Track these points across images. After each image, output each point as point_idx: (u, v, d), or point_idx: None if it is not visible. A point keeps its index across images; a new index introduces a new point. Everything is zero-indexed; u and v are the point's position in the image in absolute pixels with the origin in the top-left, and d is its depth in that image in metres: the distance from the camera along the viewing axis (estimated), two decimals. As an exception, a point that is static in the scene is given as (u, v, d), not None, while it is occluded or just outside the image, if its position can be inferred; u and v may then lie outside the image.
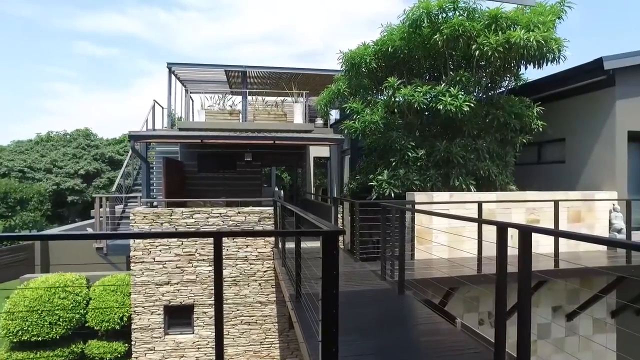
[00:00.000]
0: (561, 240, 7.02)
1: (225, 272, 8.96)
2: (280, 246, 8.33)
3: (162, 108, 16.79)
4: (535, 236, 2.72)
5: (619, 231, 8.37)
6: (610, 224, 8.50)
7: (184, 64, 16.56)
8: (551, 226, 7.86)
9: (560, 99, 9.96)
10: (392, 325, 4.26)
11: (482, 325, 7.83)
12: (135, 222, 8.72)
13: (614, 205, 8.53)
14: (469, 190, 8.29)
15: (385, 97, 9.37)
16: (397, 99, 8.26)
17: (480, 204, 6.34)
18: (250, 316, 9.22)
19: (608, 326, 8.64)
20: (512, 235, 2.96)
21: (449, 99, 7.78)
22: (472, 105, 7.95)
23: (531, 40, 7.30)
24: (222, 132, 11.33)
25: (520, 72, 9.95)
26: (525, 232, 2.64)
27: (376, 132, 8.96)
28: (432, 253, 7.45)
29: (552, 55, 7.75)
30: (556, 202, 6.62)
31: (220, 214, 8.88)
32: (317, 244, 2.77)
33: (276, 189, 28.70)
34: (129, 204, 12.83)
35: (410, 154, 8.71)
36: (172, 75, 16.68)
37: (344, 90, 10.19)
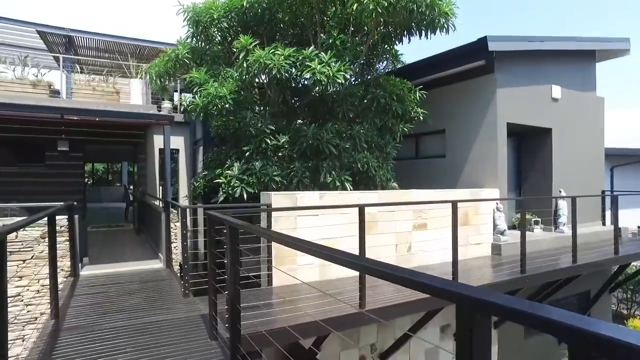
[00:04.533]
0: (449, 248, 5.59)
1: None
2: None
3: None
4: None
5: (503, 233, 7.42)
6: (494, 225, 7.51)
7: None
8: (442, 231, 6.49)
9: (441, 86, 8.85)
10: None
11: (363, 365, 6.05)
12: None
13: (497, 204, 7.56)
14: (344, 188, 6.46)
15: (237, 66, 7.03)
16: (250, 64, 5.97)
17: (362, 209, 4.42)
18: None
19: (493, 339, 7.66)
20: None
21: (319, 66, 5.79)
22: (348, 77, 6.12)
23: (421, -6, 5.70)
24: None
25: (399, 53, 8.57)
26: None
27: (224, 111, 6.60)
28: (297, 276, 5.39)
29: (442, 20, 6.27)
30: (454, 204, 5.11)
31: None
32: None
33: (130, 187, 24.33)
34: None
35: (269, 141, 6.56)
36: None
37: (185, 57, 7.58)
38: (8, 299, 5.72)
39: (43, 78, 10.10)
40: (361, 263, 1.63)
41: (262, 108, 7.70)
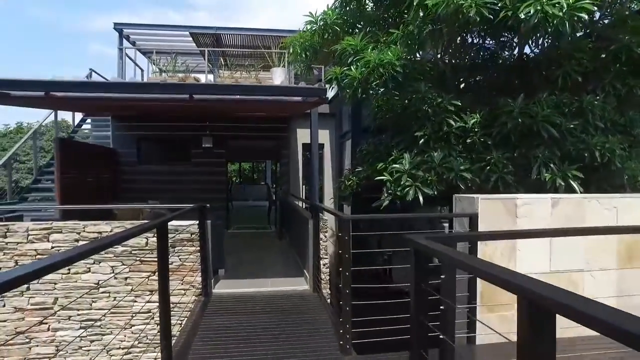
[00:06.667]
0: None
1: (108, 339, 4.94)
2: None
3: (111, 83, 13.07)
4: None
5: None
6: None
7: (137, 25, 12.78)
8: None
9: None
10: None
11: None
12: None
13: None
14: (571, 189, 4.17)
15: (406, 23, 5.21)
16: (431, 8, 4.12)
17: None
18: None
19: None
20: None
21: (545, -3, 3.65)
22: (595, 9, 3.85)
23: None
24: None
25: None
26: None
27: (389, 84, 4.88)
28: (513, 326, 3.37)
29: None
30: None
31: (101, 232, 4.86)
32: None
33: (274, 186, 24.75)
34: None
35: (453, 122, 4.63)
36: (126, 42, 12.96)
37: (334, 23, 6.10)
38: (138, 314, 4.93)
39: (190, 74, 9.91)
40: None
41: (429, 85, 5.82)
